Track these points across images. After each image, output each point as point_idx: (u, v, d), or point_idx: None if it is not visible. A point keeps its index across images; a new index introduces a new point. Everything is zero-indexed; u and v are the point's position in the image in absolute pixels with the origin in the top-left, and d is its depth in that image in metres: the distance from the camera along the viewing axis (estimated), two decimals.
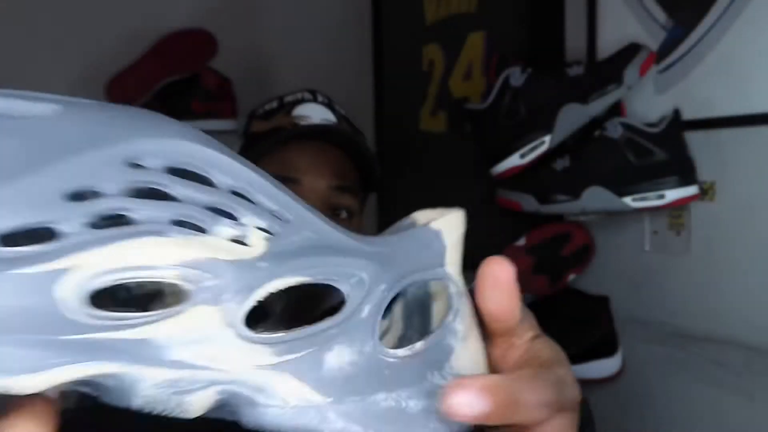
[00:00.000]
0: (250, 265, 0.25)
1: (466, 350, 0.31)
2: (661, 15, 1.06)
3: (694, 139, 1.01)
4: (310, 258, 0.26)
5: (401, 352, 0.29)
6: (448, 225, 0.31)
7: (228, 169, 0.25)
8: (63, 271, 0.22)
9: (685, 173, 1.00)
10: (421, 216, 0.33)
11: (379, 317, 0.28)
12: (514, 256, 1.14)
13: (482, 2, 1.43)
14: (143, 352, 0.23)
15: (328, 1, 1.70)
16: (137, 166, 0.23)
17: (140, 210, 0.23)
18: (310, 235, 0.27)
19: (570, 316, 1.13)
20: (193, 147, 0.25)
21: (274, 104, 0.88)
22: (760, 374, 0.96)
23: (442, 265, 0.31)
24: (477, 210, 1.51)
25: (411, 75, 1.63)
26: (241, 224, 0.25)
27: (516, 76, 1.09)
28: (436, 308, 0.32)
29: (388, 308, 0.31)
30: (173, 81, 1.43)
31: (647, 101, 1.09)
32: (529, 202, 1.10)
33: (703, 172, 1.00)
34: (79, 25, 1.44)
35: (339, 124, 0.85)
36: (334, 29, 1.70)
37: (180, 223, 0.24)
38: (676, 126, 1.01)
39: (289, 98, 0.87)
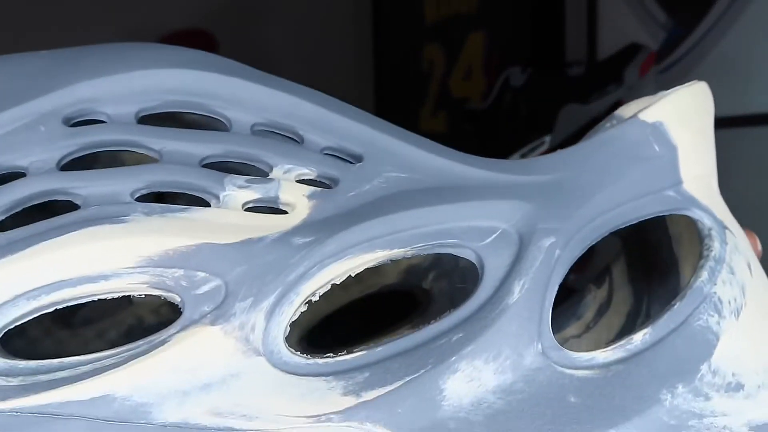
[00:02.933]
0: (281, 244, 0.15)
1: (742, 338, 0.18)
2: (661, 15, 1.06)
3: None
4: (399, 215, 0.16)
5: (603, 355, 0.16)
6: (676, 110, 0.18)
7: (248, 97, 0.16)
8: None
9: None
10: (629, 111, 0.19)
11: (550, 298, 0.16)
12: None
13: (483, 2, 1.43)
14: (107, 417, 0.14)
15: (328, 1, 1.70)
16: (86, 122, 0.15)
17: (86, 187, 0.14)
18: (397, 176, 0.16)
19: None
20: (184, 75, 0.16)
21: None
22: None
23: (675, 183, 0.18)
24: None
25: (411, 75, 1.63)
26: (267, 180, 0.15)
27: (516, 76, 1.09)
28: (679, 264, 0.20)
29: (569, 296, 0.19)
30: None
31: None
32: None
33: None
34: (79, 25, 1.44)
35: None
36: (334, 29, 1.70)
37: (155, 197, 0.15)
38: None
39: None
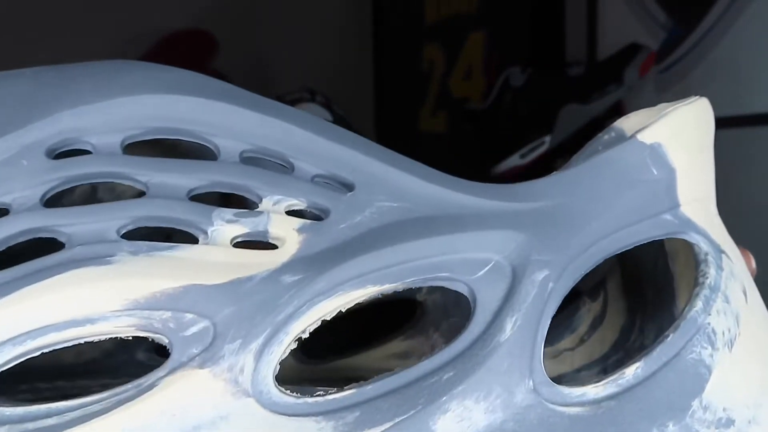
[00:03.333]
0: (270, 283, 0.14)
1: (734, 370, 0.17)
2: (661, 15, 1.06)
3: None
4: (390, 249, 0.15)
5: (595, 391, 0.16)
6: (676, 130, 0.18)
7: (236, 123, 0.16)
8: None
9: None
10: (629, 123, 0.19)
11: (542, 333, 0.16)
12: None
13: (483, 2, 1.43)
14: None
15: (328, 1, 1.70)
16: (70, 152, 0.15)
17: (71, 225, 0.14)
18: (389, 206, 0.16)
19: None
20: (169, 101, 0.15)
21: None
22: None
23: (672, 207, 0.17)
24: None
25: (411, 75, 1.63)
26: (256, 213, 0.15)
27: (516, 76, 1.09)
28: (674, 282, 0.20)
29: (564, 308, 0.18)
30: None
31: (647, 101, 1.08)
32: None
33: None
34: (79, 25, 1.44)
35: (336, 124, 0.85)
36: (334, 29, 1.70)
37: (141, 234, 0.15)
38: None
39: (287, 98, 0.88)
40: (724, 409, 0.17)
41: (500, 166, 1.09)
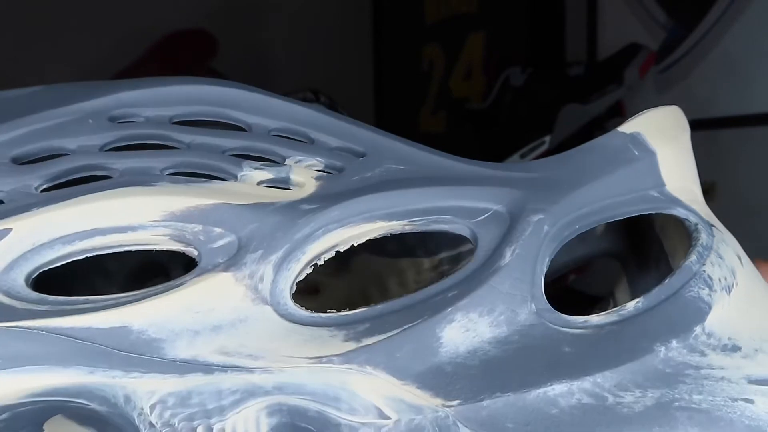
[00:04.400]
0: (290, 208, 0.16)
1: (735, 311, 0.18)
2: (661, 15, 1.06)
3: (694, 139, 1.01)
4: (397, 192, 0.17)
5: (597, 319, 0.17)
6: (651, 123, 0.20)
7: (265, 107, 0.19)
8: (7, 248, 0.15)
9: None
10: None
11: (541, 267, 0.17)
12: None
13: (483, 2, 1.43)
14: (123, 348, 0.15)
15: (328, 1, 1.70)
16: (127, 122, 0.18)
17: (122, 162, 0.17)
18: (396, 167, 0.18)
19: None
20: (210, 90, 0.18)
21: None
22: None
23: (657, 185, 0.19)
24: None
25: (411, 75, 1.63)
26: (280, 165, 0.17)
27: (516, 76, 1.09)
28: (673, 253, 0.21)
29: (569, 279, 0.21)
30: None
31: (647, 101, 1.08)
32: None
33: (703, 172, 1.00)
34: (79, 25, 1.44)
35: None
36: (334, 29, 1.70)
37: (182, 175, 0.17)
38: None
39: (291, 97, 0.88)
40: (729, 338, 0.18)
41: None
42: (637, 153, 0.19)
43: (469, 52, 1.46)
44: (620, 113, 1.09)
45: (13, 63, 1.39)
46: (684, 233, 0.19)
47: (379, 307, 0.16)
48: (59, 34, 1.43)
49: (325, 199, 0.17)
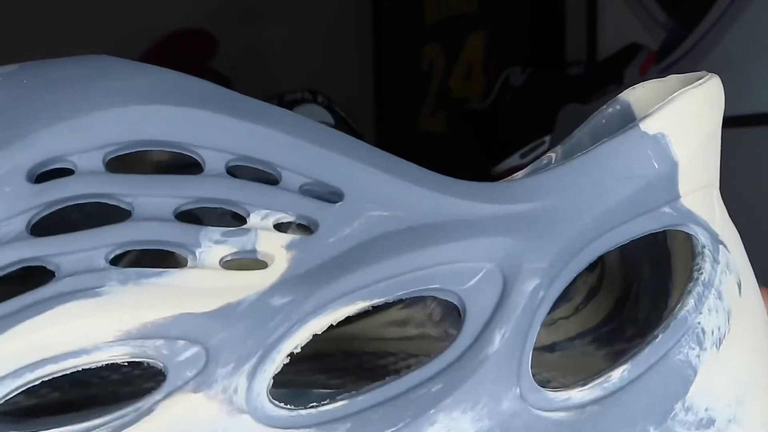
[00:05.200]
0: (259, 307, 0.15)
1: (720, 369, 0.17)
2: (661, 15, 1.06)
3: None
4: (379, 264, 0.15)
5: (580, 395, 0.16)
6: (682, 119, 0.17)
7: (221, 132, 0.15)
8: None
9: None
10: (635, 96, 0.19)
11: (531, 340, 0.16)
12: None
13: (483, 2, 1.43)
14: None
15: (328, 1, 1.70)
16: (51, 174, 0.15)
17: (59, 254, 0.14)
18: (379, 215, 0.16)
19: None
20: (151, 112, 0.15)
21: (273, 102, 0.87)
22: None
23: (672, 199, 0.17)
24: None
25: (411, 75, 1.63)
26: (243, 231, 0.15)
27: (516, 76, 1.09)
28: (671, 258, 0.19)
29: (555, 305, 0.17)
30: None
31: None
32: None
33: None
34: (79, 25, 1.44)
35: (337, 126, 0.85)
36: (334, 29, 1.70)
37: (127, 259, 0.15)
38: None
39: (288, 97, 0.87)
40: (706, 410, 0.17)
41: (500, 166, 1.09)
42: (657, 166, 0.17)
43: (469, 52, 1.46)
44: None
45: (12, 63, 1.39)
46: (690, 244, 0.18)
47: (360, 400, 0.15)
48: (59, 34, 1.43)
49: (298, 284, 0.15)
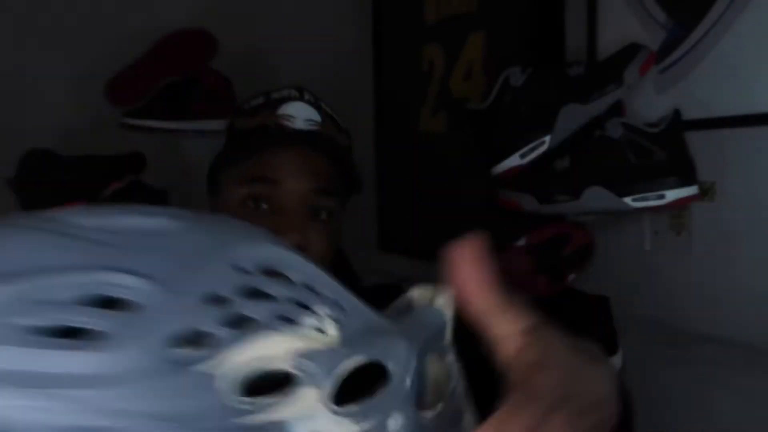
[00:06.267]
0: (333, 349, 0.28)
1: (469, 409, 0.35)
2: (661, 15, 1.06)
3: (694, 139, 1.01)
4: (367, 340, 0.30)
5: (430, 413, 0.32)
6: (447, 303, 0.35)
7: (298, 266, 0.29)
8: (218, 367, 0.25)
9: (686, 173, 1.00)
10: (418, 294, 0.36)
11: (415, 386, 0.31)
12: (514, 256, 1.14)
13: (483, 2, 1.43)
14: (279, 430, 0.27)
15: (328, 1, 1.70)
16: (241, 269, 0.27)
17: (253, 309, 0.27)
18: (363, 321, 0.30)
19: (570, 316, 1.13)
20: (274, 250, 0.29)
21: (260, 100, 0.86)
22: (760, 374, 0.96)
23: (443, 339, 0.34)
24: (477, 210, 1.50)
25: (411, 75, 1.63)
26: (317, 315, 0.29)
27: (516, 76, 1.09)
28: (432, 376, 0.35)
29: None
30: (173, 81, 1.43)
31: (647, 101, 1.09)
32: (529, 202, 1.10)
33: (703, 172, 1.00)
34: (79, 24, 1.44)
35: (324, 123, 0.84)
36: (334, 29, 1.70)
37: (281, 318, 0.27)
38: (676, 126, 1.01)
39: (275, 95, 0.85)
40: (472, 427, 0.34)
41: (500, 165, 1.09)
42: (440, 321, 0.34)
43: (469, 52, 1.46)
44: (620, 113, 1.09)
45: (12, 63, 1.39)
46: (443, 364, 0.35)
47: (364, 405, 0.29)
48: (59, 34, 1.43)
49: (343, 343, 0.29)
